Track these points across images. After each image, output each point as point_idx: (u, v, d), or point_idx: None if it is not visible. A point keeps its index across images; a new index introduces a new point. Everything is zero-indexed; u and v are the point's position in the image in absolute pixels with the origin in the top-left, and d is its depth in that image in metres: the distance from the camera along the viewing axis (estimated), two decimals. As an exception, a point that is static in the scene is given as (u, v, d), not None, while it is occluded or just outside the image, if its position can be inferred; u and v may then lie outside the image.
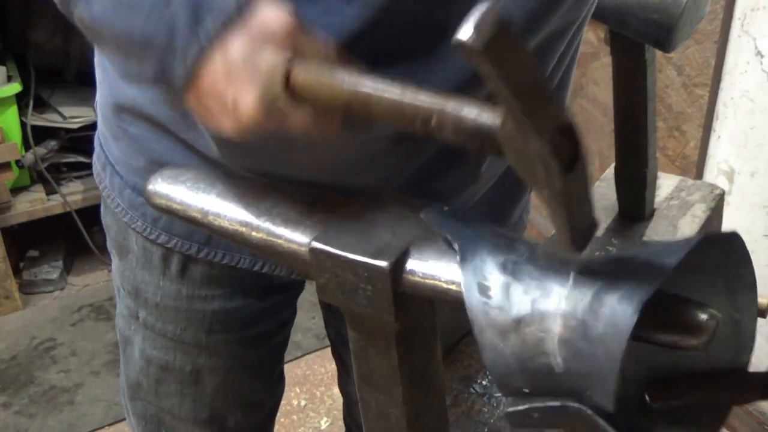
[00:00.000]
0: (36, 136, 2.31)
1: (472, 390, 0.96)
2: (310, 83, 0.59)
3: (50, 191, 2.39)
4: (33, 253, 2.52)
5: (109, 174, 0.89)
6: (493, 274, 0.53)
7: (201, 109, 0.63)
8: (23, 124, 2.29)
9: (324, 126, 0.62)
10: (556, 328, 0.50)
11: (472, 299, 0.54)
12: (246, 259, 0.85)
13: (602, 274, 0.51)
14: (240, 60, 0.59)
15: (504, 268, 0.53)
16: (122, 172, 0.87)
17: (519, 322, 0.52)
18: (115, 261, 0.96)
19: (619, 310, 0.47)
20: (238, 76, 0.59)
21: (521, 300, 0.52)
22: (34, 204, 2.36)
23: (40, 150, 2.34)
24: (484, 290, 0.53)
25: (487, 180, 0.86)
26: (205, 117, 0.64)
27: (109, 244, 0.96)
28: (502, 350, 0.54)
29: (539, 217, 2.56)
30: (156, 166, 0.78)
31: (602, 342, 0.48)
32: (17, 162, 2.31)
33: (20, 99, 2.29)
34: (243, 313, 0.94)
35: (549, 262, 0.53)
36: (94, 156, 0.93)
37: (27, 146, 2.32)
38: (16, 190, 2.37)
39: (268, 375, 1.06)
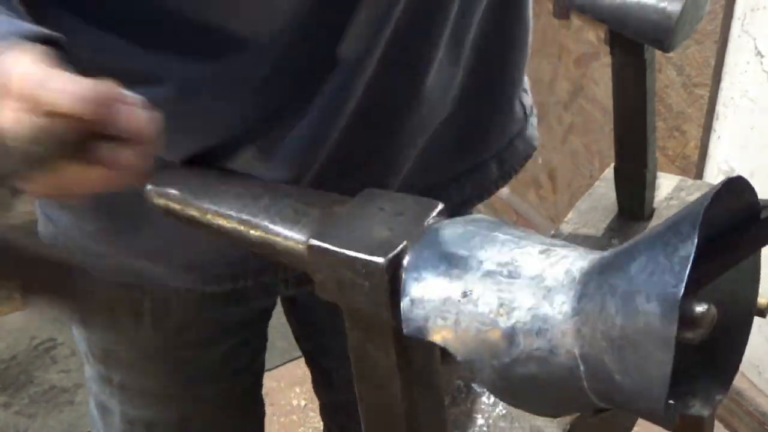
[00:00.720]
0: (36, 136, 2.31)
1: (472, 389, 0.96)
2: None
3: (51, 191, 2.39)
4: (33, 253, 2.52)
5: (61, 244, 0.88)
6: (495, 332, 0.52)
7: None
8: (24, 125, 2.29)
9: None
10: (583, 380, 0.50)
11: (485, 378, 0.54)
12: (222, 275, 0.84)
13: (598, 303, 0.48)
14: None
15: (510, 335, 0.52)
16: (76, 237, 0.87)
17: (542, 377, 0.52)
18: (79, 328, 0.94)
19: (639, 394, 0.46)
20: None
21: (532, 357, 0.51)
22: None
23: (41, 150, 2.34)
24: (496, 355, 0.53)
25: (408, 174, 0.84)
26: None
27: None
28: (546, 404, 0.54)
29: (518, 200, 2.56)
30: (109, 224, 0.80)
31: (634, 402, 0.47)
32: (18, 162, 2.31)
33: (21, 99, 2.29)
34: (223, 350, 0.94)
35: (538, 290, 0.52)
36: (41, 229, 0.92)
37: (27, 146, 2.32)
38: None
39: (251, 401, 1.06)
